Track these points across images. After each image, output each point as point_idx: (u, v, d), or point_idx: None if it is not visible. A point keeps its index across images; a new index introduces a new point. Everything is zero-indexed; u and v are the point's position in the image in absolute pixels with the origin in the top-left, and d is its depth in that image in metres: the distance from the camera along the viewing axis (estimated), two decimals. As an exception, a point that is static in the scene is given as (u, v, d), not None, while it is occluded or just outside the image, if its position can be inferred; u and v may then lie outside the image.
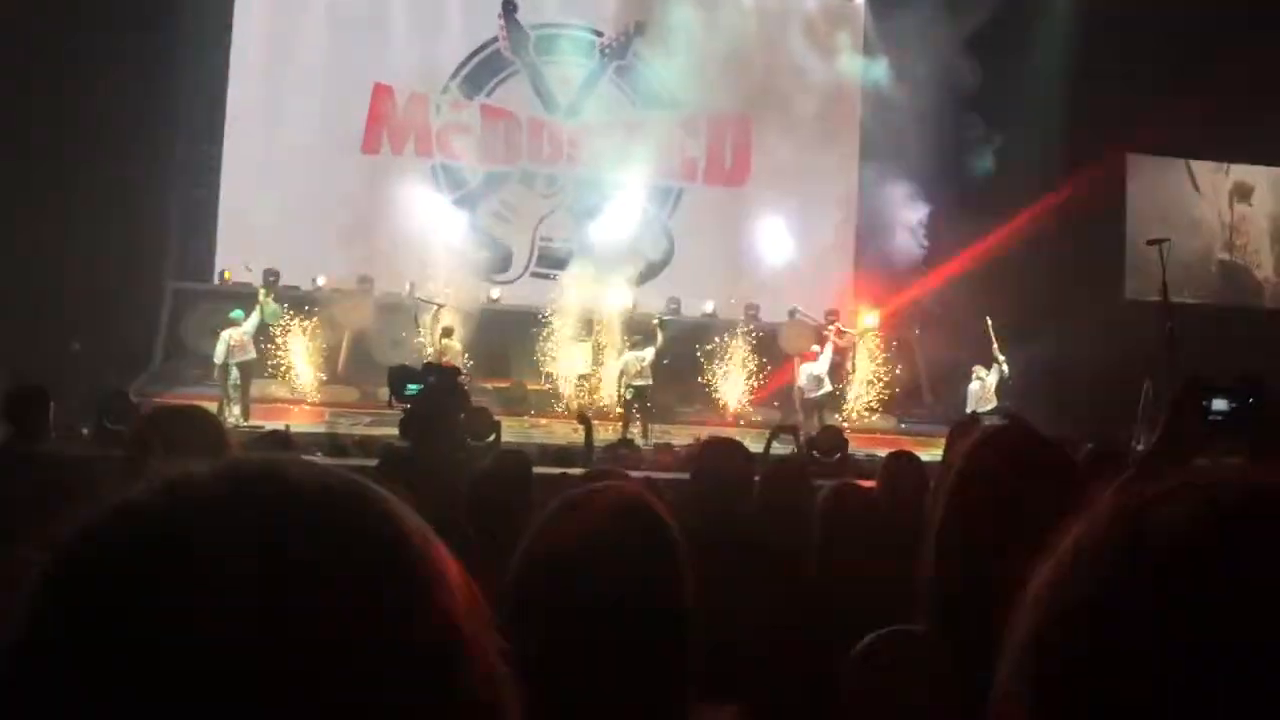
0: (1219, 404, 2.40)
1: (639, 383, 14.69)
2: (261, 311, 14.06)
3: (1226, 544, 0.57)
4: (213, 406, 12.47)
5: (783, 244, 17.54)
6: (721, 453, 3.37)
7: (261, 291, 14.32)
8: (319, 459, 8.25)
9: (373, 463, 6.48)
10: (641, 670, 1.37)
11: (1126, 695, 0.56)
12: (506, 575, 1.49)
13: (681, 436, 13.68)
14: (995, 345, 14.72)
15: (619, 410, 14.97)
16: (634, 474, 5.55)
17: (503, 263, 17.86)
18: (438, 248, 16.74)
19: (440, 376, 5.86)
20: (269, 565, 0.49)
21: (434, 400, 5.41)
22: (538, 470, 3.90)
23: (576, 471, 4.59)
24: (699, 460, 3.39)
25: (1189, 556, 0.58)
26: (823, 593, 2.92)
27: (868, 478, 9.31)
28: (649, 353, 14.78)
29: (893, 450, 5.69)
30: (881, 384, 16.80)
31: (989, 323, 14.73)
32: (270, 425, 12.79)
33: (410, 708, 0.50)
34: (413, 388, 5.60)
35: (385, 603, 0.51)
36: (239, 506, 0.52)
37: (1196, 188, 19.09)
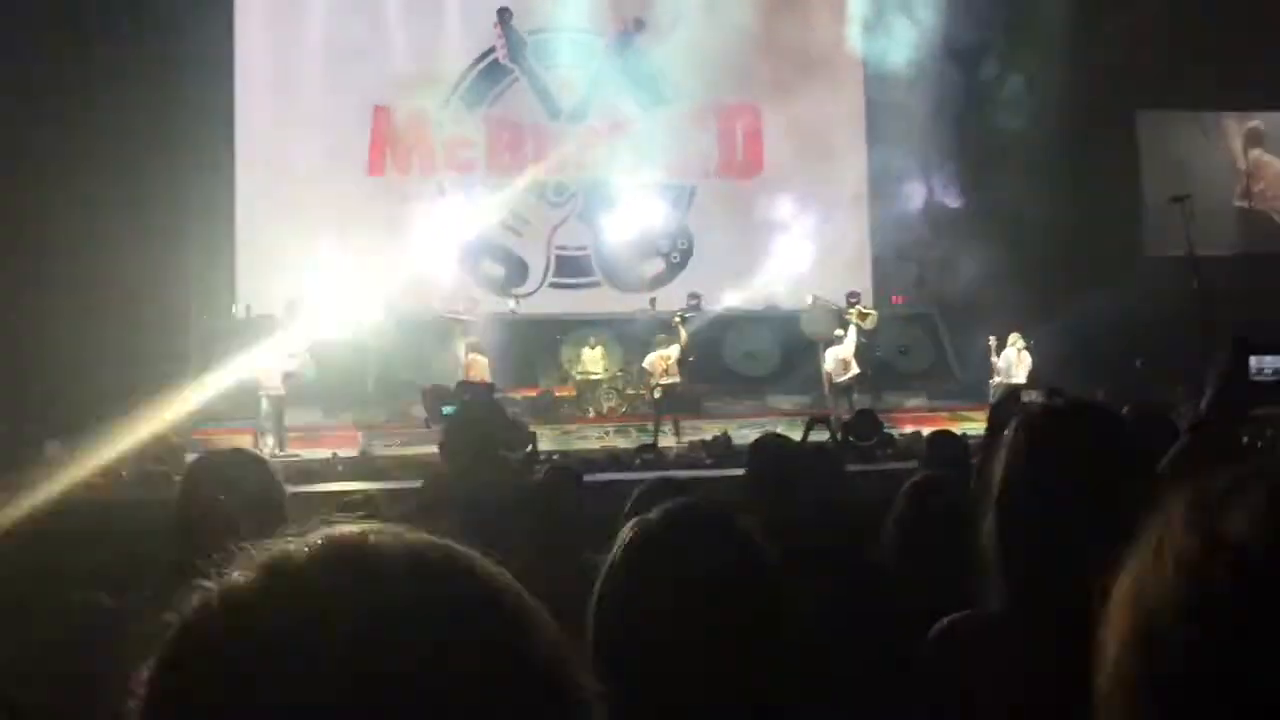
0: (1267, 363, 2.38)
1: (666, 381, 14.70)
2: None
3: None
4: (248, 440, 12.59)
5: (800, 230, 17.49)
6: (775, 450, 3.38)
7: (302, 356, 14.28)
8: (360, 485, 8.30)
9: (415, 484, 6.53)
10: (744, 693, 1.37)
11: (1223, 692, 0.58)
12: (571, 591, 1.48)
13: (713, 431, 13.70)
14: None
15: (650, 410, 15.03)
16: (681, 474, 5.59)
17: (519, 276, 17.82)
18: (453, 265, 16.85)
19: (474, 394, 5.89)
20: (366, 649, 0.51)
21: (471, 418, 5.43)
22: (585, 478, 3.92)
23: (624, 477, 4.60)
24: (754, 459, 3.40)
25: (1270, 554, 0.59)
26: (890, 584, 2.92)
27: (905, 458, 9.33)
28: (674, 350, 14.78)
29: (934, 430, 5.73)
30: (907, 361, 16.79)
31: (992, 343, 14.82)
32: (307, 454, 12.92)
33: None
34: (449, 408, 5.62)
35: (485, 669, 0.53)
36: (335, 591, 0.53)
37: (1208, 138, 18.94)
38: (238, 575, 0.55)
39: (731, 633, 1.36)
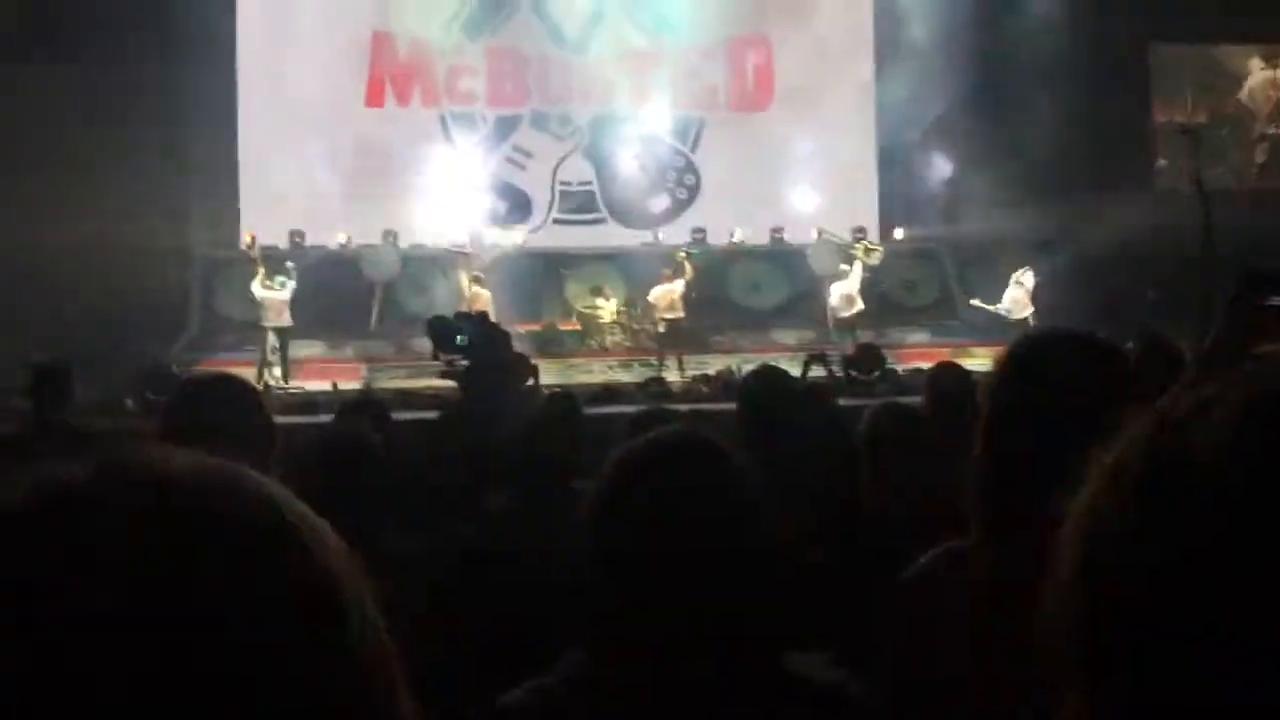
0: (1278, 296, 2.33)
1: (670, 316, 14.69)
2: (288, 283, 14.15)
3: (1273, 454, 0.54)
4: (252, 371, 12.60)
5: (808, 164, 17.31)
6: (768, 382, 3.35)
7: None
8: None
9: (416, 415, 6.55)
10: (730, 619, 1.36)
11: (1178, 628, 0.54)
12: (569, 526, 1.48)
13: (716, 366, 13.69)
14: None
15: (654, 345, 15.04)
16: (681, 408, 5.57)
17: (522, 210, 17.61)
18: (456, 198, 16.73)
19: (476, 324, 5.85)
20: (126, 571, 0.50)
21: (485, 348, 5.38)
22: (585, 411, 3.91)
23: (627, 410, 4.58)
24: (745, 393, 3.37)
25: (1238, 471, 0.54)
26: (872, 517, 2.91)
27: (909, 394, 9.30)
28: (678, 285, 14.76)
29: (937, 363, 5.67)
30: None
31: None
32: (311, 385, 12.95)
33: (278, 687, 0.51)
34: (461, 338, 5.55)
35: (250, 598, 0.51)
36: (104, 512, 0.51)
37: (1228, 71, 18.63)
38: (13, 492, 0.53)
39: (712, 557, 1.35)
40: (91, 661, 0.47)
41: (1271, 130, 18.73)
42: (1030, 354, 1.64)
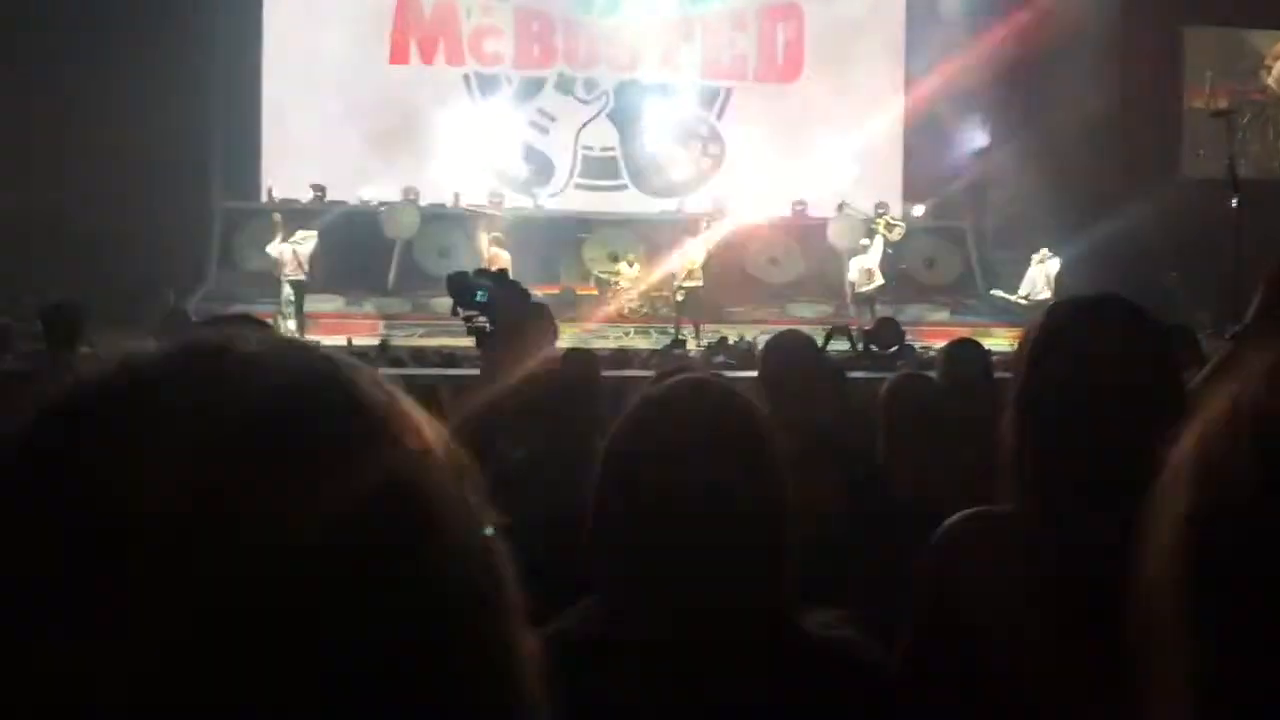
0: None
1: (690, 284, 14.65)
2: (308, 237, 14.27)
3: None
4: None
5: (833, 137, 17.17)
6: (791, 347, 3.33)
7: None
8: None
9: (427, 372, 6.53)
10: (744, 570, 1.34)
11: None
12: (583, 476, 1.46)
13: (733, 336, 13.66)
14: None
15: (672, 313, 15.01)
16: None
17: (544, 174, 17.55)
18: (477, 159, 16.67)
19: (496, 281, 5.79)
20: (209, 438, 0.47)
21: (505, 306, 5.29)
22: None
23: (647, 373, 4.53)
24: (768, 355, 3.35)
25: None
26: (890, 484, 2.90)
27: (924, 368, 9.22)
28: (699, 254, 14.71)
29: (954, 338, 5.62)
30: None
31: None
32: (327, 340, 12.97)
33: (365, 576, 0.47)
34: (481, 294, 5.45)
35: (333, 475, 0.48)
36: (187, 381, 0.49)
37: (1258, 55, 18.33)
38: (92, 370, 0.51)
39: (730, 501, 1.33)
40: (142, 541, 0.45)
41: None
42: (1067, 319, 1.61)
